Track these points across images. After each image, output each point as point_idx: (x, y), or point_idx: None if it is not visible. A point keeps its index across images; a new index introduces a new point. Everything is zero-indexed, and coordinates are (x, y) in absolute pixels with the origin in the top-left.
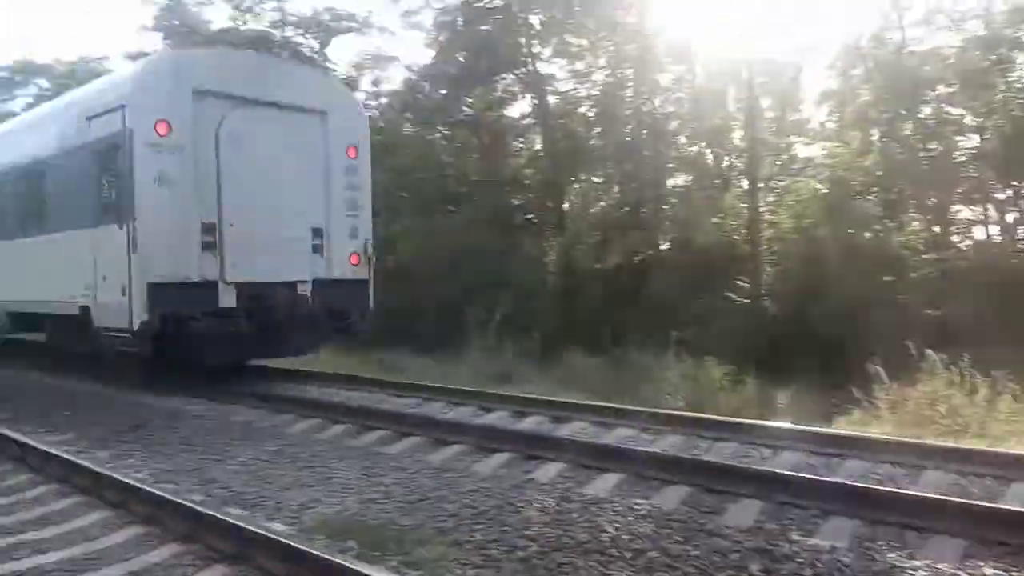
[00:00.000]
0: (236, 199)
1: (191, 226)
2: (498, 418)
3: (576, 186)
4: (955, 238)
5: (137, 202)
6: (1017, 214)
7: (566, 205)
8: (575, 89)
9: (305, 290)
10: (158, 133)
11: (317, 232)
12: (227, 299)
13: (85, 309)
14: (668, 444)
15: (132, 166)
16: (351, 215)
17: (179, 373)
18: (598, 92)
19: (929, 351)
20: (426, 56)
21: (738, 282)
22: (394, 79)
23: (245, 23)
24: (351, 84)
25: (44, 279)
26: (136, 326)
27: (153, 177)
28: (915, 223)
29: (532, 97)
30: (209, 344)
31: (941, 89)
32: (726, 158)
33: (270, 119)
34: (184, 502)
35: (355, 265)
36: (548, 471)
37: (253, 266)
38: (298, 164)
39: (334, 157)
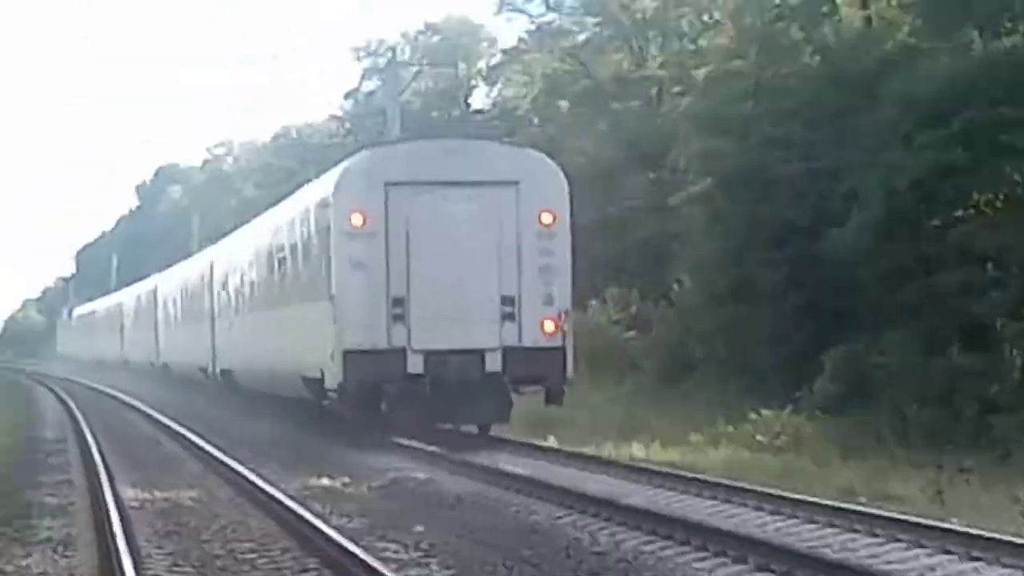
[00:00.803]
0: (424, 273)
1: (381, 300)
2: None
3: None
4: None
5: (335, 280)
6: None
7: None
8: None
9: (494, 358)
10: (353, 224)
11: (507, 300)
12: (415, 366)
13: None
14: None
15: (330, 253)
16: (546, 281)
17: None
18: None
19: None
20: None
21: None
22: None
23: None
24: None
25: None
26: (335, 387)
27: (348, 260)
28: None
29: None
30: (398, 406)
31: None
32: None
33: (458, 197)
34: None
35: (550, 333)
36: None
37: (440, 335)
38: (487, 234)
39: (525, 224)
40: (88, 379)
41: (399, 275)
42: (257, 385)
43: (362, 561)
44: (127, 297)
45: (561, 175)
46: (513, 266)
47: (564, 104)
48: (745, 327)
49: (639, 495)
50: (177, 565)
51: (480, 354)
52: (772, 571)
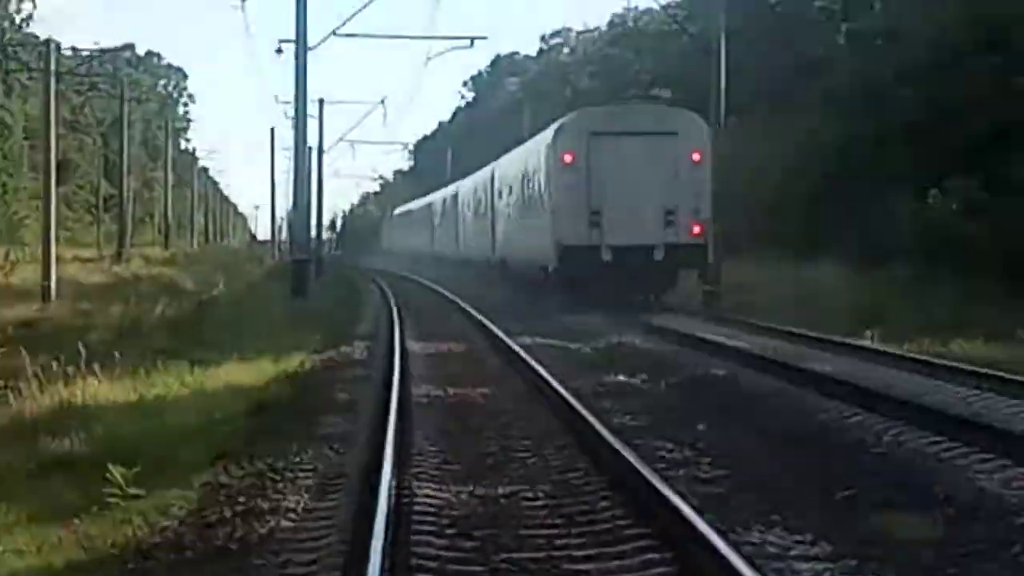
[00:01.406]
0: (612, 194)
1: (584, 211)
2: None
3: None
4: None
5: (554, 198)
6: None
7: None
8: None
9: (659, 251)
10: (564, 161)
11: (669, 211)
12: (606, 256)
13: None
14: None
15: (545, 185)
16: (695, 199)
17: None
18: None
19: None
20: None
21: None
22: None
23: None
24: None
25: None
26: (551, 270)
27: (561, 187)
28: None
29: None
30: (589, 287)
31: None
32: None
33: (636, 143)
34: None
35: (696, 235)
36: None
37: (623, 235)
38: (656, 167)
39: (681, 160)
40: (402, 269)
41: (597, 195)
42: (518, 269)
43: None
44: (436, 199)
45: (705, 126)
46: (673, 189)
47: None
48: None
49: (940, 393)
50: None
51: (651, 248)
52: None
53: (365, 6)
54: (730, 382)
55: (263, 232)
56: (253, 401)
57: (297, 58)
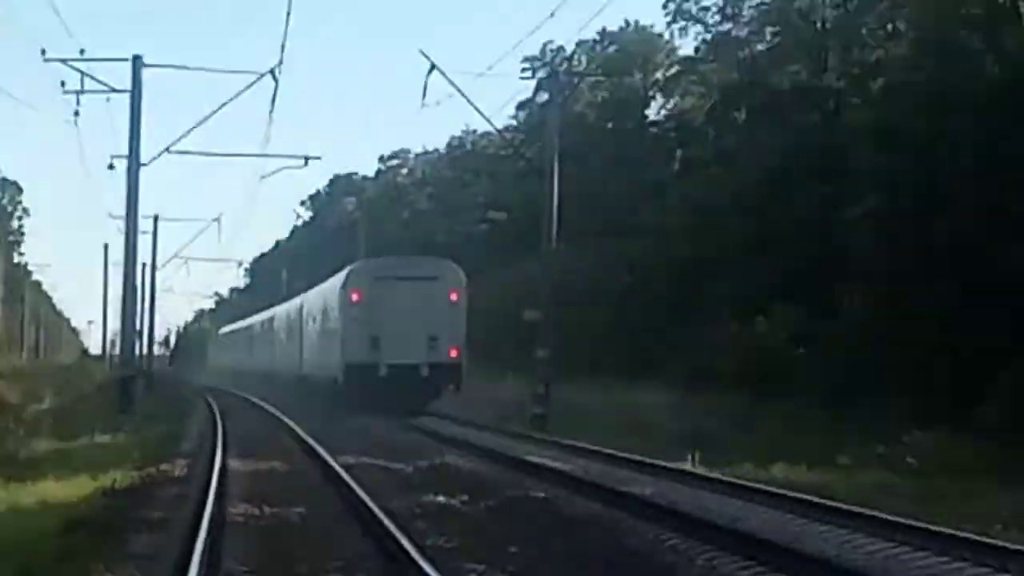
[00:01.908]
0: (389, 322)
1: (367, 337)
2: None
3: None
4: None
5: (343, 326)
6: None
7: None
8: None
9: (425, 369)
10: (353, 299)
11: (432, 338)
12: (383, 372)
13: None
14: None
15: (338, 316)
16: (453, 327)
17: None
18: None
19: None
20: None
21: None
22: None
23: None
24: None
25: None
26: (339, 381)
27: (349, 319)
28: None
29: None
30: (370, 396)
31: None
32: None
33: (407, 285)
34: None
35: (454, 357)
36: None
37: (396, 355)
38: (423, 304)
39: (442, 299)
40: (226, 384)
41: (376, 324)
42: (317, 381)
43: None
44: (255, 322)
45: (461, 271)
46: (435, 321)
47: (740, 116)
48: (915, 346)
49: (756, 518)
50: None
51: (418, 366)
52: None
53: (199, 124)
54: (548, 504)
55: (96, 347)
56: (66, 519)
57: (129, 174)
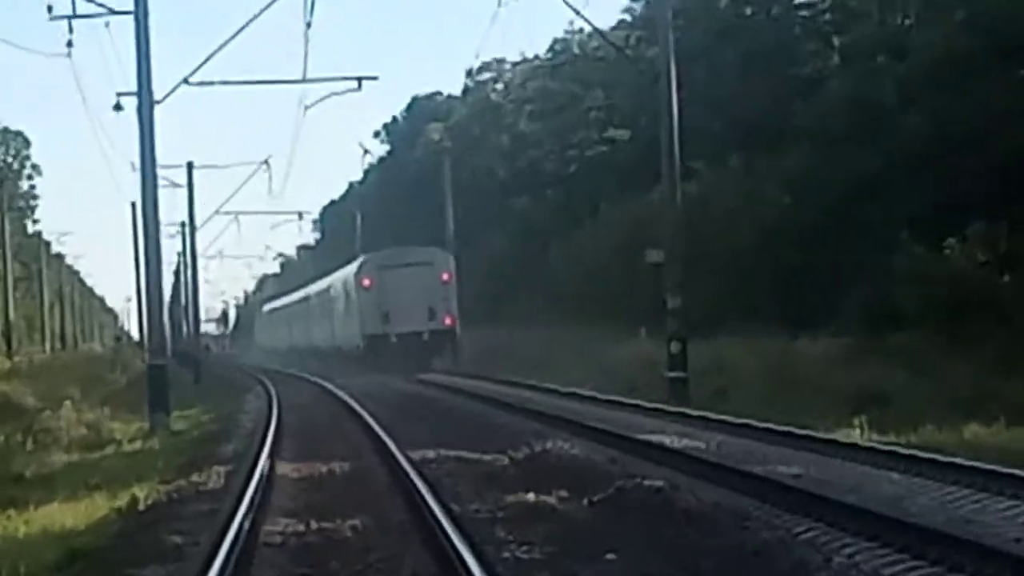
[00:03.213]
0: (396, 301)
1: (378, 314)
2: None
3: None
4: None
5: (359, 306)
6: None
7: None
8: None
9: (426, 335)
10: (364, 285)
11: (431, 310)
12: (393, 339)
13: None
14: None
15: (355, 298)
16: (446, 302)
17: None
18: None
19: None
20: None
21: None
22: None
23: None
24: None
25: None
26: (361, 348)
27: (364, 300)
28: None
29: None
30: (383, 358)
31: None
32: None
33: (408, 271)
34: None
35: (448, 324)
36: None
37: (403, 325)
38: (422, 285)
39: (437, 280)
40: (288, 366)
41: (385, 302)
42: (346, 350)
43: None
44: (292, 300)
45: (451, 257)
46: (433, 296)
47: None
48: None
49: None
50: None
51: (420, 333)
52: None
53: (222, 47)
54: (665, 496)
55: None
56: (67, 550)
57: (141, 113)
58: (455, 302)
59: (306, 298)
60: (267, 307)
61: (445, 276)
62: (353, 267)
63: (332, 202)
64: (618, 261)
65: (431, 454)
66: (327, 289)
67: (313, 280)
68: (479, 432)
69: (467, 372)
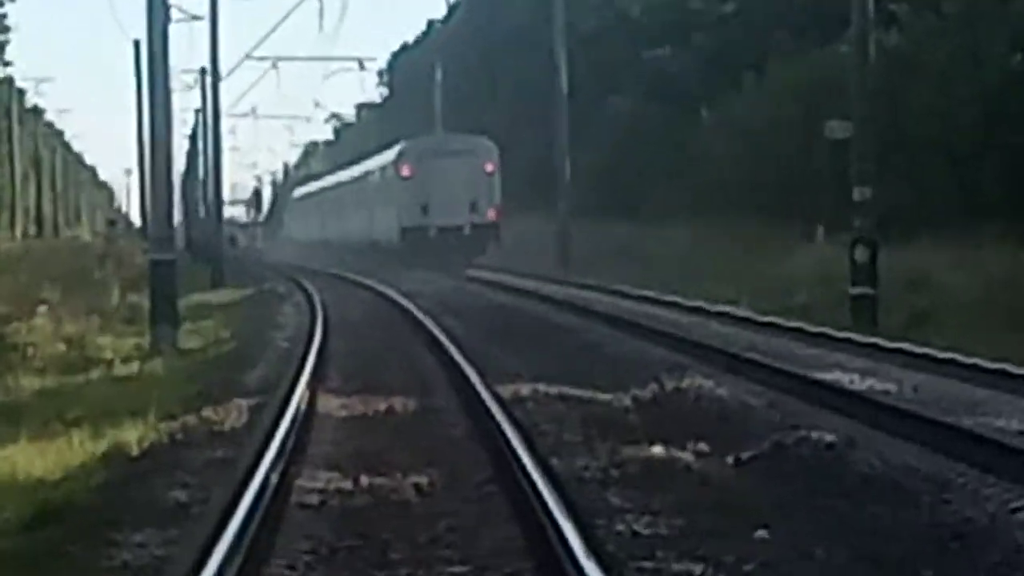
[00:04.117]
0: (436, 192)
1: (418, 204)
2: None
3: None
4: None
5: (397, 195)
6: None
7: None
8: None
9: (467, 229)
10: (403, 173)
11: (473, 203)
12: (432, 232)
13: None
14: None
15: (394, 186)
16: (490, 194)
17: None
18: None
19: None
20: None
21: None
22: None
23: None
24: None
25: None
26: (398, 241)
27: (402, 188)
28: None
29: None
30: (421, 251)
31: None
32: None
33: (448, 160)
34: None
35: (492, 218)
36: None
37: (443, 218)
38: (465, 175)
39: (480, 171)
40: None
41: (425, 193)
42: (383, 244)
43: None
44: (323, 186)
45: (494, 147)
46: (476, 189)
47: None
48: None
49: None
50: None
51: (462, 227)
52: None
53: None
54: (836, 455)
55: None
56: (38, 504)
57: None
58: (499, 194)
59: (339, 185)
60: (298, 192)
61: (489, 167)
62: (391, 154)
63: (404, 47)
64: (789, 136)
65: (525, 389)
66: (363, 176)
67: (348, 164)
68: (591, 362)
69: (576, 280)
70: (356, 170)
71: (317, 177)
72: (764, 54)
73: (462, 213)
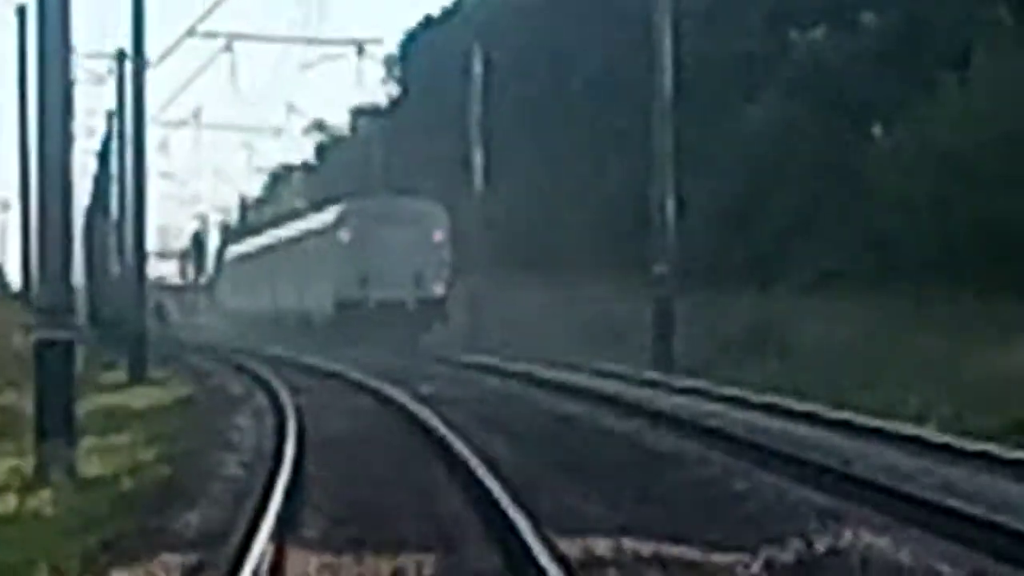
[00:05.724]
0: (377, 260)
1: (356, 275)
2: None
3: None
4: None
5: (334, 264)
6: None
7: None
8: None
9: (411, 304)
10: (342, 238)
11: (418, 275)
12: (371, 307)
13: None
14: None
15: (331, 252)
16: (438, 266)
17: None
18: None
19: None
20: None
21: None
22: None
23: None
24: None
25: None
26: (332, 315)
27: (340, 256)
28: None
29: None
30: (358, 329)
31: None
32: None
33: (396, 224)
34: None
35: (439, 292)
36: None
37: (384, 292)
38: (410, 242)
39: (427, 238)
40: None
41: (365, 262)
42: (316, 317)
43: None
44: (251, 249)
45: (445, 213)
46: (421, 258)
47: None
48: None
49: None
50: None
51: (404, 302)
52: None
53: None
54: None
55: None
56: None
57: None
58: (448, 266)
59: (270, 248)
60: (231, 251)
61: (438, 235)
62: (329, 215)
63: (423, 25)
64: (1010, 167)
65: (602, 546)
66: (297, 239)
67: (284, 220)
68: (703, 507)
69: (678, 382)
70: (291, 229)
71: (256, 231)
72: (971, 43)
73: (405, 286)
